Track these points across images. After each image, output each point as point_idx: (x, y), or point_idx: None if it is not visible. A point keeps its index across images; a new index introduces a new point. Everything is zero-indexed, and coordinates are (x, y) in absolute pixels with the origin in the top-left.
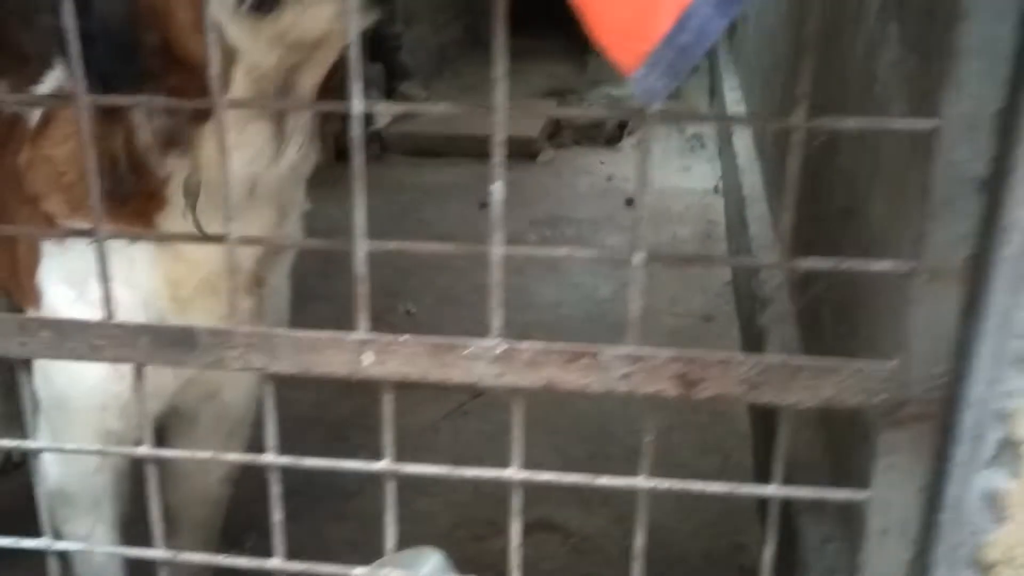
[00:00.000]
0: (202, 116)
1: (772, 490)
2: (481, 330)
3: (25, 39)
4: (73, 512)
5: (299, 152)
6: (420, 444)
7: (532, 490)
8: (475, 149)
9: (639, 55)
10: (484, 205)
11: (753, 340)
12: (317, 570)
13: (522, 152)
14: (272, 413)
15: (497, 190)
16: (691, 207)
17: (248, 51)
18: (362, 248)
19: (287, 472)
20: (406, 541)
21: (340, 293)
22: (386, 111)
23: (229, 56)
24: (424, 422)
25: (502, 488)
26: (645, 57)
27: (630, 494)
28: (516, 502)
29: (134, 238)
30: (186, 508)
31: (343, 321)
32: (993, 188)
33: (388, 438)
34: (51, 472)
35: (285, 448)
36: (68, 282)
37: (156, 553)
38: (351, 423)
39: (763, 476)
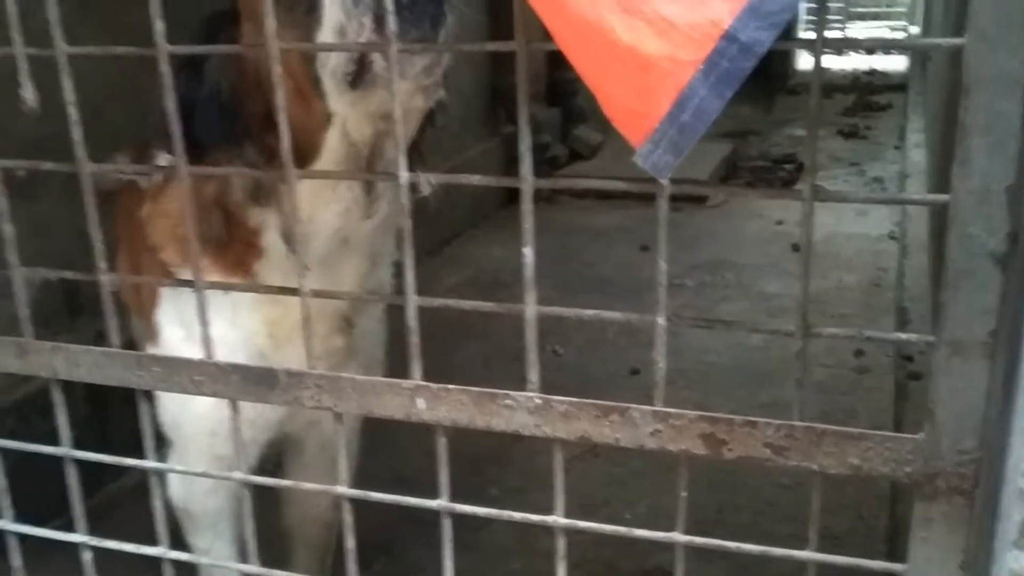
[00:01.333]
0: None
1: (806, 555)
2: (624, 372)
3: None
4: (194, 528)
5: (389, 207)
6: (548, 484)
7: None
8: (640, 192)
9: (643, 132)
10: (646, 248)
11: (900, 396)
12: None
13: (691, 195)
14: (343, 449)
15: (528, 254)
16: (862, 253)
17: (347, 120)
18: (412, 304)
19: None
20: None
21: (495, 332)
22: (429, 181)
23: (326, 121)
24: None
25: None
26: (649, 134)
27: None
28: (560, 546)
29: (228, 289)
30: (299, 529)
31: (495, 359)
32: (1011, 263)
33: (443, 478)
34: (175, 492)
35: (420, 478)
36: (180, 322)
37: (250, 568)
38: (487, 458)
39: (896, 538)
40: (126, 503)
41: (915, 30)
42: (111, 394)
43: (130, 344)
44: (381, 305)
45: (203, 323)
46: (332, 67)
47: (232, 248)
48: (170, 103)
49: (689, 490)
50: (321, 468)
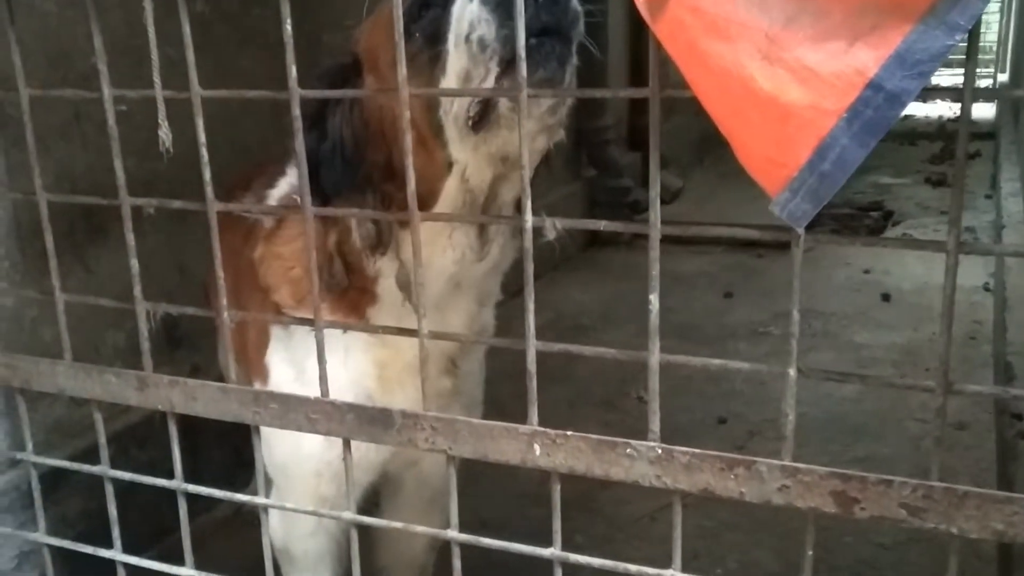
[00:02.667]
0: (406, 223)
1: None
2: (711, 421)
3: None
4: (294, 568)
5: (500, 251)
6: (634, 533)
7: None
8: (725, 238)
9: (781, 181)
10: (729, 295)
11: (1008, 455)
12: None
13: (775, 241)
14: (455, 491)
15: (653, 301)
16: (956, 305)
17: (467, 166)
18: (532, 349)
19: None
20: None
21: (578, 375)
22: (555, 226)
23: (446, 170)
24: (641, 511)
25: None
26: (787, 183)
27: None
28: None
29: (346, 328)
30: (394, 570)
31: (579, 403)
32: None
33: (556, 525)
34: (276, 532)
35: (504, 522)
36: (291, 362)
37: None
38: (573, 503)
39: None
40: (216, 535)
41: (1003, 77)
42: (203, 427)
43: (219, 379)
44: (482, 348)
45: (321, 362)
46: (455, 113)
47: (348, 293)
48: (299, 145)
49: (782, 546)
50: (418, 508)
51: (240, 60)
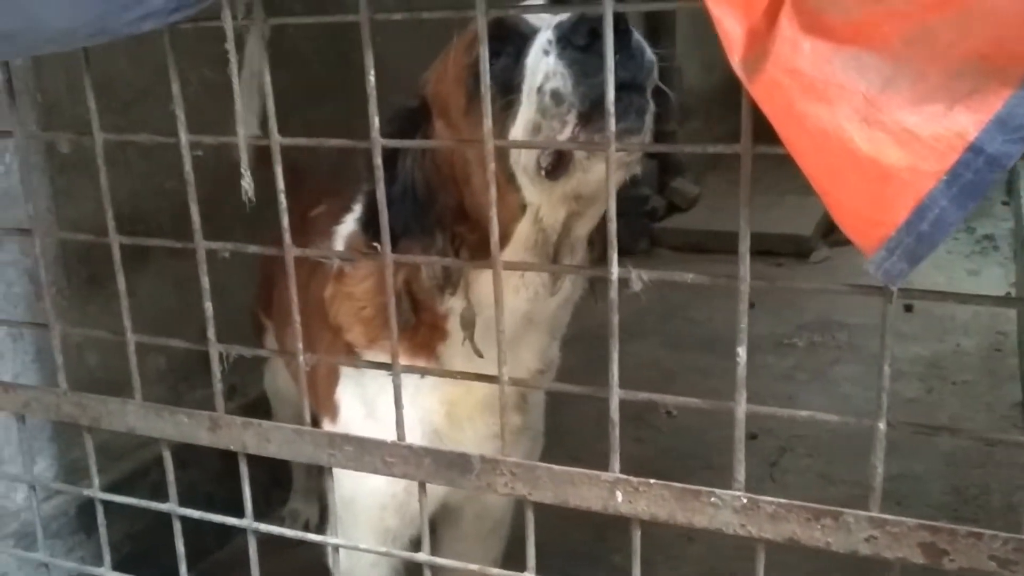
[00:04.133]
0: (479, 263)
1: None
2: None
3: (331, 189)
4: None
5: (572, 285)
6: (672, 552)
7: None
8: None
9: (877, 240)
10: (751, 306)
11: None
12: None
13: (794, 251)
14: (532, 535)
15: (741, 353)
16: (979, 315)
17: (540, 207)
18: (615, 397)
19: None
20: None
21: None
22: (640, 277)
23: (519, 212)
24: (679, 530)
25: None
26: (883, 242)
27: None
28: None
29: (423, 373)
30: None
31: (606, 418)
32: None
33: (636, 572)
34: (341, 564)
35: (547, 544)
36: (361, 400)
37: None
38: (610, 524)
39: None
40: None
41: None
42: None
43: (259, 400)
44: (550, 378)
45: (398, 407)
46: (524, 164)
47: (419, 331)
48: (380, 194)
49: (818, 568)
50: (477, 539)
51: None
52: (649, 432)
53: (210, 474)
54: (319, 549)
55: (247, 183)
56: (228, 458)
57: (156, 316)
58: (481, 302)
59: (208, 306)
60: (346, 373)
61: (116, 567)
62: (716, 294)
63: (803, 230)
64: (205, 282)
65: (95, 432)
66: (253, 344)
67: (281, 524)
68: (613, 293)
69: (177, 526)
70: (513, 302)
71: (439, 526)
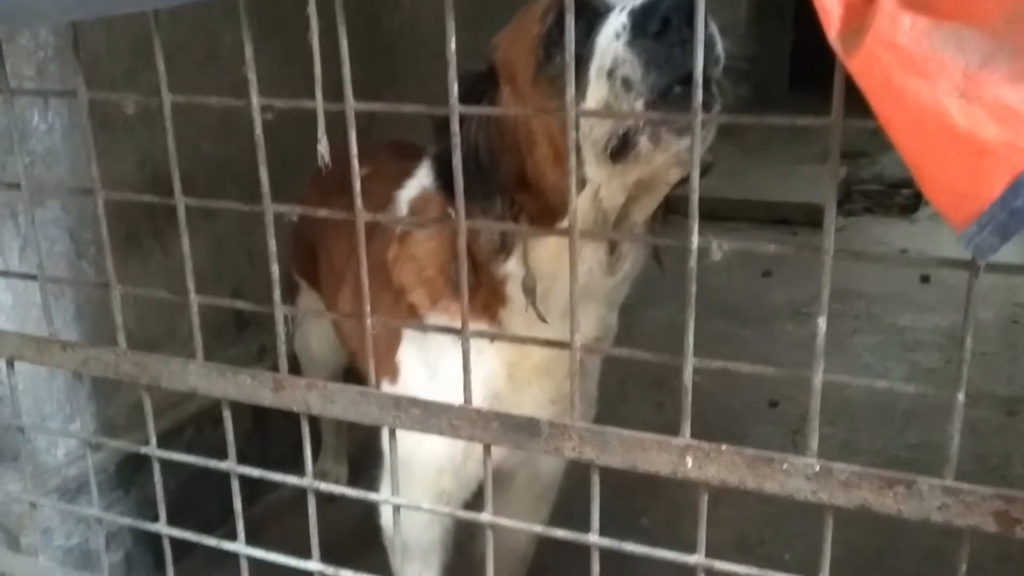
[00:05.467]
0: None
1: None
2: (763, 404)
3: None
4: (407, 558)
5: (632, 264)
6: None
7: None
8: (759, 213)
9: (969, 215)
10: (768, 274)
11: None
12: None
13: (809, 220)
14: (597, 498)
15: (821, 324)
16: (996, 288)
17: (600, 186)
18: (689, 365)
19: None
20: None
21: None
22: (720, 247)
23: (579, 185)
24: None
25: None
26: (976, 217)
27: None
28: None
29: (492, 338)
30: (495, 560)
31: (628, 382)
32: None
33: (701, 535)
34: (391, 525)
35: (569, 510)
36: (423, 362)
37: None
38: (638, 488)
39: None
40: (283, 515)
41: None
42: (270, 410)
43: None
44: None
45: (466, 370)
46: (595, 138)
47: (479, 294)
48: (457, 160)
49: (847, 532)
50: (527, 502)
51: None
52: (671, 398)
53: (240, 432)
54: (352, 508)
55: (323, 147)
56: (258, 417)
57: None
58: (539, 270)
59: (275, 269)
60: (408, 335)
61: (152, 523)
62: (734, 262)
63: (818, 199)
64: (272, 244)
65: (125, 393)
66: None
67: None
68: (692, 263)
69: (235, 484)
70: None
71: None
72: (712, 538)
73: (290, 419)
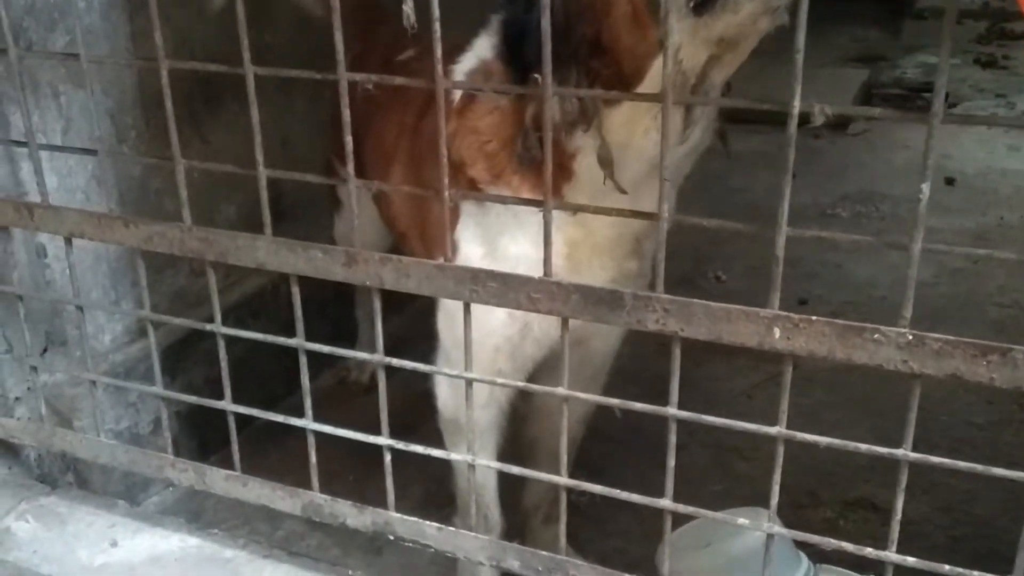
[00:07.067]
0: (610, 100)
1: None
2: (790, 300)
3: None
4: (462, 439)
5: (702, 133)
6: (733, 409)
7: (853, 470)
8: (781, 116)
9: None
10: (792, 175)
11: None
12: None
13: (832, 122)
14: (677, 372)
15: (925, 189)
16: (1020, 189)
17: (682, 47)
18: (783, 235)
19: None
20: (727, 502)
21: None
22: (824, 111)
23: (656, 48)
24: (739, 388)
25: (822, 460)
26: None
27: (953, 484)
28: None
29: (575, 210)
30: (544, 441)
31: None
32: None
33: (784, 405)
34: (447, 404)
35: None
36: (482, 239)
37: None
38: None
39: None
40: (320, 405)
41: None
42: (326, 288)
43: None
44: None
45: (547, 242)
46: None
47: (543, 169)
48: (546, 22)
49: (879, 423)
50: (577, 384)
51: None
52: (698, 295)
53: (278, 325)
54: (395, 399)
55: (409, 8)
56: (291, 310)
57: (231, 160)
58: (611, 142)
59: (348, 140)
60: (467, 212)
61: (198, 408)
62: (756, 164)
63: (841, 102)
64: (347, 115)
65: (168, 280)
66: (325, 191)
67: (347, 375)
68: (792, 128)
69: (303, 359)
70: (641, 144)
71: (537, 373)
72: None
73: (324, 314)
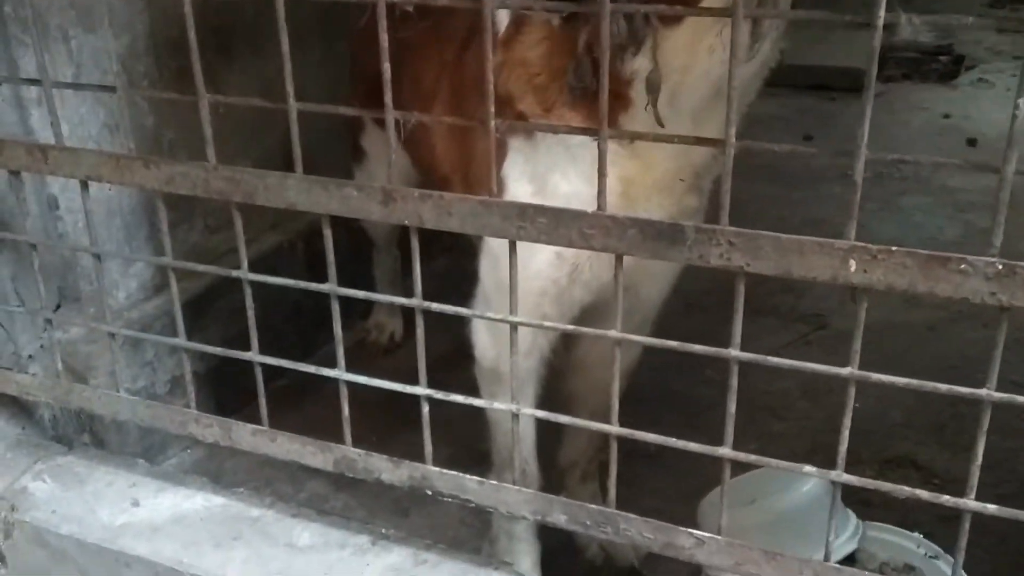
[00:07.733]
0: (670, 19)
1: None
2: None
3: None
4: (500, 389)
5: (771, 47)
6: (762, 369)
7: (894, 428)
8: (796, 78)
9: None
10: (809, 137)
11: None
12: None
13: (847, 84)
14: (740, 310)
15: (1021, 105)
16: None
17: None
18: (862, 159)
19: (652, 382)
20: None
21: None
22: (911, 21)
23: None
24: (766, 348)
25: (858, 419)
26: None
27: (995, 441)
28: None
29: (632, 138)
30: (586, 395)
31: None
32: None
33: (856, 345)
34: (487, 354)
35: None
36: (531, 176)
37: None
38: (698, 339)
39: None
40: (357, 354)
41: None
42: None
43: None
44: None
45: (601, 175)
46: None
47: (598, 97)
48: None
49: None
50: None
51: None
52: None
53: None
54: (410, 362)
55: None
56: (318, 266)
57: (241, 115)
58: (668, 64)
59: (386, 67)
60: (514, 148)
61: (216, 368)
62: (774, 126)
63: (856, 63)
64: (384, 38)
65: (183, 235)
66: (348, 143)
67: (366, 335)
68: (876, 41)
69: (335, 305)
70: (705, 63)
71: (583, 320)
72: (781, 387)
73: (342, 274)
